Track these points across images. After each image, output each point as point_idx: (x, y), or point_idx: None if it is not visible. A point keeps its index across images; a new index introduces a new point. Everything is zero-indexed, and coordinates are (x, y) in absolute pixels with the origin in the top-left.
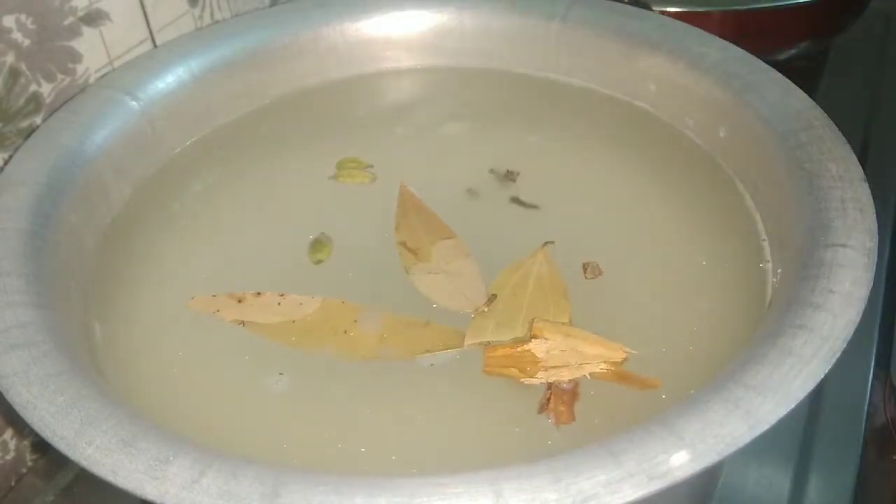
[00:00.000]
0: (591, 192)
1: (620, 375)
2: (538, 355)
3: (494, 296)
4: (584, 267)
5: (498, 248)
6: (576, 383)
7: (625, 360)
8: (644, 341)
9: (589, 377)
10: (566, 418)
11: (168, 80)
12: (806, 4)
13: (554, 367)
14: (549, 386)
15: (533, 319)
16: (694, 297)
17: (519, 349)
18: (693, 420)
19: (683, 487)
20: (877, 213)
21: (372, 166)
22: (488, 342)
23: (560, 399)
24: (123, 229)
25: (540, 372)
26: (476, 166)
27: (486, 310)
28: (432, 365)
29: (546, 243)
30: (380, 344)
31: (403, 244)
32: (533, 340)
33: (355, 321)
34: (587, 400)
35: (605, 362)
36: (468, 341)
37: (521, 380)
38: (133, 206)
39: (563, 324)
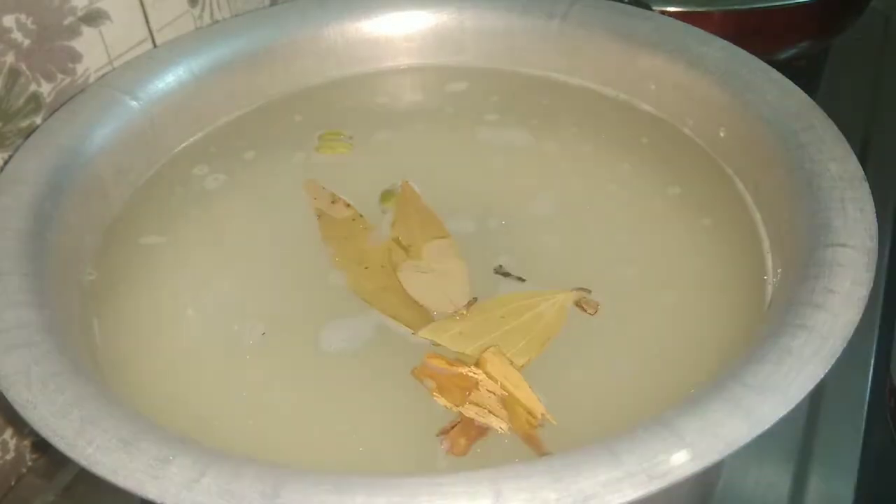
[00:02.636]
0: (590, 191)
1: (527, 436)
2: (467, 384)
3: (475, 299)
4: (580, 305)
5: (494, 245)
6: (487, 425)
7: (541, 423)
8: (644, 341)
9: (496, 427)
10: (460, 451)
11: (168, 80)
12: (806, 4)
13: (473, 403)
14: (464, 417)
15: (489, 347)
16: (693, 297)
17: (455, 369)
18: (693, 420)
19: (683, 487)
20: (877, 213)
21: (352, 137)
22: (438, 344)
23: (466, 431)
24: (123, 229)
25: (462, 400)
26: (475, 164)
27: (465, 312)
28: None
29: (576, 289)
30: (374, 292)
31: (397, 240)
32: (472, 368)
33: (382, 266)
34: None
35: (524, 416)
36: (422, 333)
37: (435, 396)
38: (133, 206)
39: (512, 364)
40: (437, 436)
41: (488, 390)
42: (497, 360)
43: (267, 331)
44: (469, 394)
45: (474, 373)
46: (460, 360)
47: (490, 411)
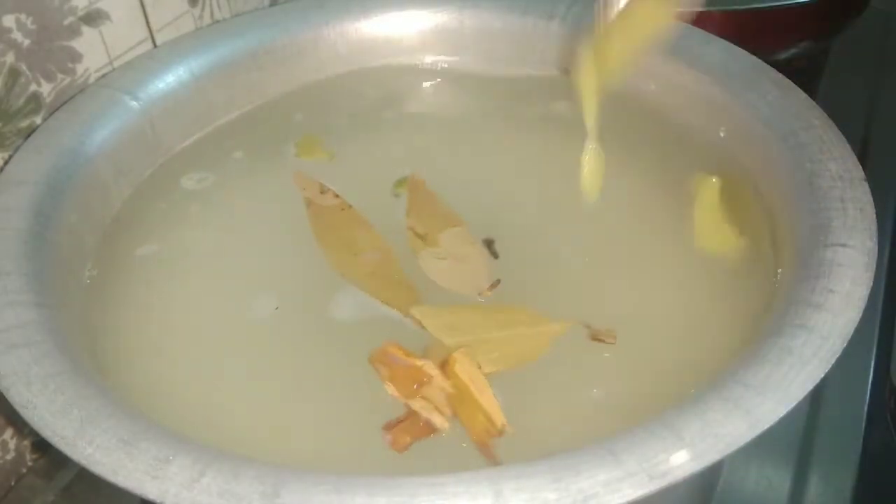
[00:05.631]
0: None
1: (482, 443)
2: (420, 378)
3: (498, 281)
4: (597, 339)
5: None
6: (429, 420)
7: (499, 433)
8: (642, 342)
9: (437, 424)
10: (402, 448)
11: (168, 80)
12: (806, 4)
13: (423, 399)
14: (411, 411)
15: (461, 348)
16: (693, 297)
17: (412, 361)
18: (693, 419)
19: (683, 487)
20: (877, 213)
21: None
22: (423, 326)
23: (411, 429)
24: (123, 229)
25: (413, 392)
26: (475, 166)
27: (489, 294)
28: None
29: (580, 323)
30: (364, 277)
31: (412, 229)
32: (428, 362)
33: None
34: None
35: (483, 424)
36: (413, 311)
37: (386, 385)
38: (133, 205)
39: (480, 369)
40: (382, 429)
41: (439, 387)
42: (466, 361)
43: (266, 326)
44: (420, 387)
45: (429, 368)
46: (427, 351)
47: (435, 407)
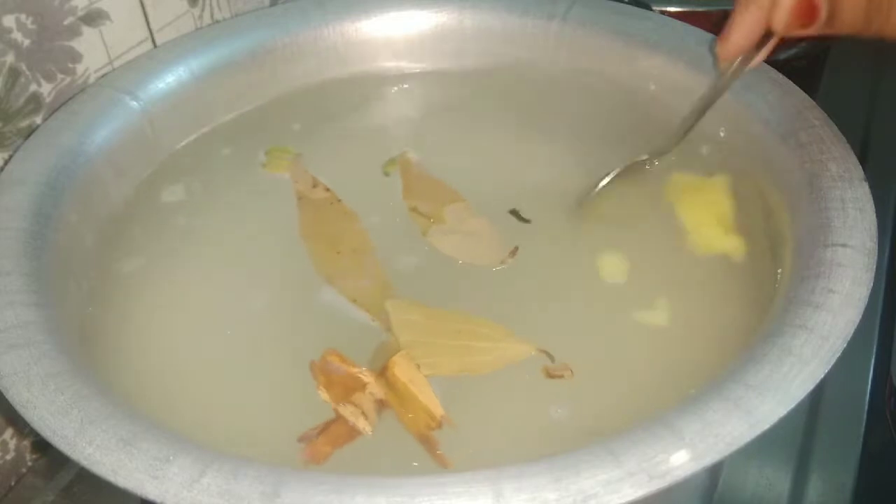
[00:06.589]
0: (587, 190)
1: (423, 436)
2: (355, 385)
3: (517, 248)
4: (552, 375)
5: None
6: (357, 432)
7: (439, 426)
8: (642, 342)
9: (361, 428)
10: (318, 459)
11: (168, 80)
12: None
13: (351, 402)
14: (337, 419)
15: (403, 351)
16: (693, 296)
17: (348, 368)
18: (693, 419)
19: (683, 487)
20: (877, 213)
21: (300, 155)
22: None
23: (332, 438)
24: (123, 229)
25: (344, 398)
26: (474, 166)
27: (510, 260)
28: None
29: (543, 350)
30: (339, 274)
31: (415, 209)
32: (364, 370)
33: (354, 250)
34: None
35: (423, 419)
36: (388, 304)
37: (319, 390)
38: (133, 205)
39: (420, 371)
40: (299, 441)
41: (370, 392)
42: (405, 363)
43: (257, 328)
44: (353, 394)
45: (364, 375)
46: (380, 349)
47: (363, 412)
